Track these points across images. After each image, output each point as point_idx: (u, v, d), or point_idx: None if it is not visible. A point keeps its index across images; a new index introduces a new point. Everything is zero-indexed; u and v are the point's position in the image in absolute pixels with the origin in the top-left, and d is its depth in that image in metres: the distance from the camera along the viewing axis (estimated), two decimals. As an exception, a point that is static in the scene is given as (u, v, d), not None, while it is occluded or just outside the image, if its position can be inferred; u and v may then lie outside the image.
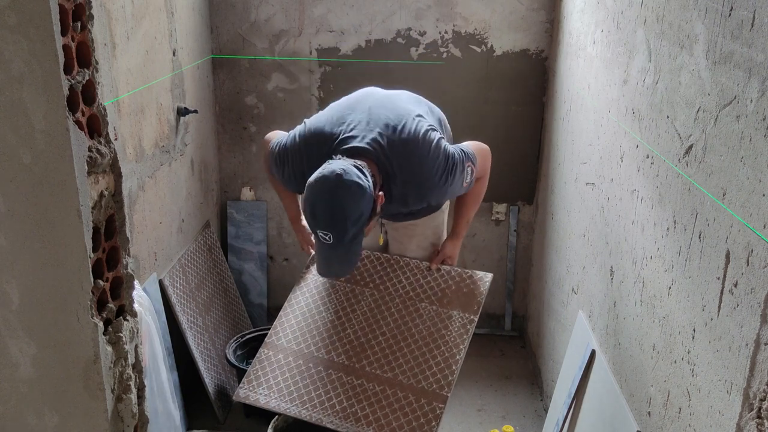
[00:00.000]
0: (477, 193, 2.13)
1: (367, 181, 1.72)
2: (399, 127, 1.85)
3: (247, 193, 3.24)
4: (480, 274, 2.13)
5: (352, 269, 1.86)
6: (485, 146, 2.12)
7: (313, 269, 2.25)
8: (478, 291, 2.09)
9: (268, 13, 3.00)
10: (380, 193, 1.79)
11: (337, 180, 1.68)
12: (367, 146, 1.81)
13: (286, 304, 2.21)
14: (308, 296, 2.22)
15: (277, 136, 2.05)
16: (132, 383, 1.15)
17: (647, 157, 1.68)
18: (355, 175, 1.70)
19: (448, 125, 2.18)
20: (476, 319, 2.05)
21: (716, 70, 1.31)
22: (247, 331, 2.90)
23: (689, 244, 1.41)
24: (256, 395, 2.23)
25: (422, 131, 1.86)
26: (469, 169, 1.96)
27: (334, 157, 1.79)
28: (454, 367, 1.98)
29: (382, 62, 3.03)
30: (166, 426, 2.26)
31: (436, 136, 1.88)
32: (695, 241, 1.38)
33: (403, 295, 2.14)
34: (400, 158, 1.83)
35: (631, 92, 1.82)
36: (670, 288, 1.51)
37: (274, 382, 2.18)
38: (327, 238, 1.71)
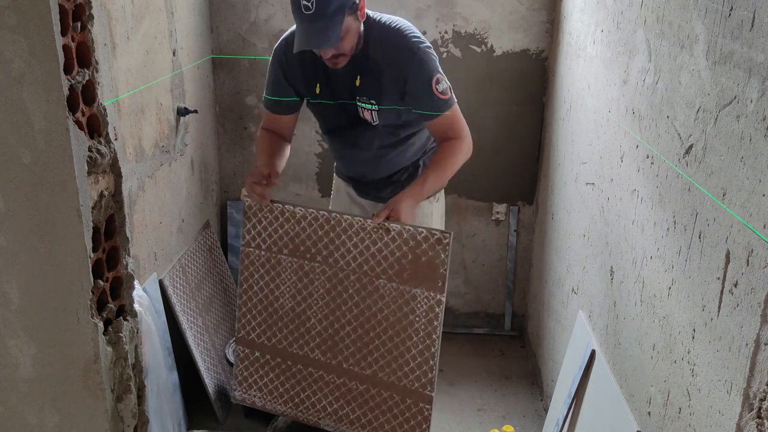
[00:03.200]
0: (452, 150, 2.00)
1: None
2: (400, 22, 1.99)
3: (247, 193, 3.24)
4: (437, 234, 1.84)
5: (329, 45, 1.87)
6: (465, 127, 2.07)
7: (252, 248, 2.09)
8: (439, 259, 1.83)
9: (268, 13, 3.00)
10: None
11: None
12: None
13: (240, 290, 2.13)
14: (258, 278, 2.11)
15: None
16: (132, 383, 1.15)
17: (647, 157, 1.68)
18: None
19: None
20: (443, 299, 1.86)
21: (716, 70, 1.31)
22: (247, 331, 2.90)
23: (689, 244, 1.41)
24: (252, 398, 2.24)
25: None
26: (443, 82, 1.97)
27: None
28: (431, 362, 1.91)
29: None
30: (166, 426, 2.26)
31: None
32: (695, 241, 1.38)
33: (357, 270, 1.96)
34: (380, 24, 1.97)
35: (631, 92, 1.82)
36: (670, 288, 1.51)
37: (262, 383, 2.18)
38: (309, 5, 1.79)
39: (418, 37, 1.97)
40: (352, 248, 1.96)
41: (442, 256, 1.83)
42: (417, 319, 1.90)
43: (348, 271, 1.97)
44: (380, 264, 1.92)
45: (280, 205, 2.00)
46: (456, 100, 2.01)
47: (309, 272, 2.03)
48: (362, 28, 1.94)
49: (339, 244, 1.97)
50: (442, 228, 2.35)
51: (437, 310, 1.87)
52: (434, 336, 1.89)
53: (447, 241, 1.82)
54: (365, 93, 2.01)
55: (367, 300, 1.96)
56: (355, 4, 1.87)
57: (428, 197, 2.09)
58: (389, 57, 1.95)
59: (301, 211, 1.99)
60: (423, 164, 2.21)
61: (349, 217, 1.94)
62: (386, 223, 1.88)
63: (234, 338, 2.83)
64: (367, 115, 2.04)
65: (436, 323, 1.88)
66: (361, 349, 2.00)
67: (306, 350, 2.07)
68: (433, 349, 1.90)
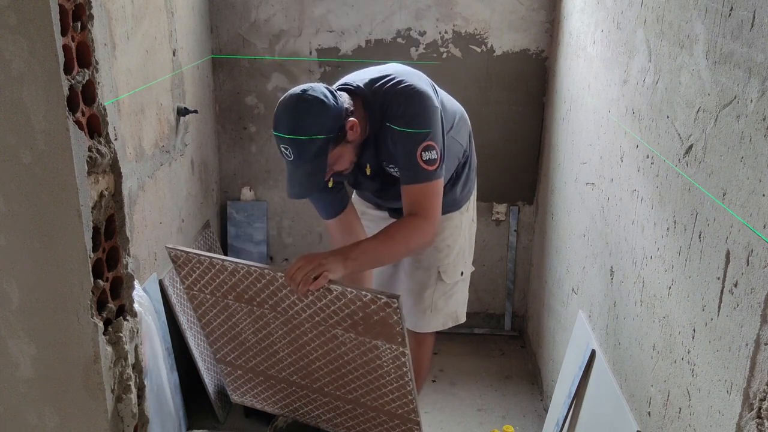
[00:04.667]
0: (407, 229, 1.83)
1: (334, 100, 1.75)
2: (389, 76, 1.90)
3: (247, 193, 3.25)
4: (383, 298, 1.63)
5: (310, 194, 1.84)
6: (437, 208, 1.89)
7: (195, 291, 1.96)
8: (392, 320, 1.66)
9: (268, 13, 3.00)
10: (353, 119, 1.79)
11: (300, 94, 1.74)
12: (352, 87, 1.86)
13: (200, 325, 2.04)
14: (214, 317, 1.99)
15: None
16: (132, 383, 1.15)
17: (647, 157, 1.68)
18: (319, 92, 1.75)
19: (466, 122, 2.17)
20: (408, 352, 1.72)
21: (716, 70, 1.31)
22: (247, 331, 2.90)
23: (689, 244, 1.41)
24: (251, 402, 2.24)
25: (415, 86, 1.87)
26: (433, 151, 1.82)
27: None
28: (410, 397, 1.83)
29: (382, 62, 3.03)
30: (166, 426, 2.26)
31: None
32: (695, 241, 1.38)
33: (309, 320, 1.79)
34: (382, 92, 1.86)
35: (631, 92, 1.82)
36: (670, 288, 1.51)
37: (254, 392, 2.18)
38: (288, 153, 1.75)
39: (419, 91, 1.84)
40: (297, 301, 1.77)
41: (395, 317, 1.65)
42: (384, 364, 1.78)
43: (301, 319, 1.81)
44: (331, 317, 1.75)
45: (208, 258, 1.82)
46: (442, 174, 1.87)
47: (262, 316, 1.87)
48: (362, 118, 1.84)
49: (282, 297, 1.78)
50: (473, 231, 2.29)
51: (403, 359, 1.74)
52: (406, 378, 1.78)
53: (396, 305, 1.63)
54: (389, 162, 1.95)
55: (329, 344, 1.82)
56: (342, 130, 1.76)
57: (365, 265, 1.86)
58: (388, 119, 1.85)
59: (231, 264, 1.78)
60: (456, 174, 2.14)
61: (282, 274, 1.72)
62: (327, 284, 1.67)
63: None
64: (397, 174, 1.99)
65: (405, 369, 1.76)
66: (337, 380, 1.92)
67: (284, 374, 2.03)
68: (409, 388, 1.81)
